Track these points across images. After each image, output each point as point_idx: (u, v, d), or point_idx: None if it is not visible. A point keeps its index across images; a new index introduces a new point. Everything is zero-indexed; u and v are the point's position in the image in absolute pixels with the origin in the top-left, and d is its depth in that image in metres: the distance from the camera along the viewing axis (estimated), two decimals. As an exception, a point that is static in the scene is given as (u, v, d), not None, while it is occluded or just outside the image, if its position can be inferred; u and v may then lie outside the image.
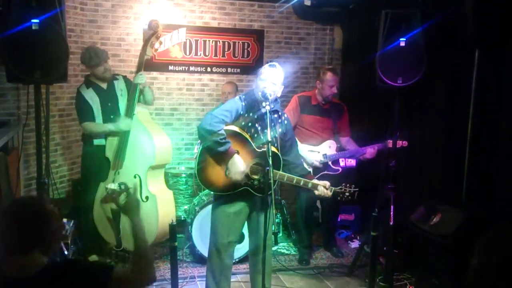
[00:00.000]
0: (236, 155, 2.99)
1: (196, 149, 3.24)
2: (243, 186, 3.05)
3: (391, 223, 3.53)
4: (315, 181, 3.07)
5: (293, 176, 3.06)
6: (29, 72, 2.82)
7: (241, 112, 3.08)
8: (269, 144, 2.81)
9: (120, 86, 4.15)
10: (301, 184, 3.05)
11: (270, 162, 2.75)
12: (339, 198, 3.08)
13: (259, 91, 3.03)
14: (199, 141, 3.19)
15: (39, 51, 2.82)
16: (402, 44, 3.38)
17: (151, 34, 3.94)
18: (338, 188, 3.07)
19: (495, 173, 3.46)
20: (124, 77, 4.25)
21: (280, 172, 3.03)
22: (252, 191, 3.06)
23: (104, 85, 4.10)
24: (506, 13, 3.30)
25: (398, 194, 3.61)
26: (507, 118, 3.38)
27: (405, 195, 4.32)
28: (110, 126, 3.94)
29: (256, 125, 3.10)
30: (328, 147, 4.24)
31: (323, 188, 3.02)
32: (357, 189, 3.08)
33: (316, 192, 3.04)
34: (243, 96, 3.16)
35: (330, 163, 4.21)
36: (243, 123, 3.09)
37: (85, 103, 4.01)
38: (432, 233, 3.50)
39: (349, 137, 4.40)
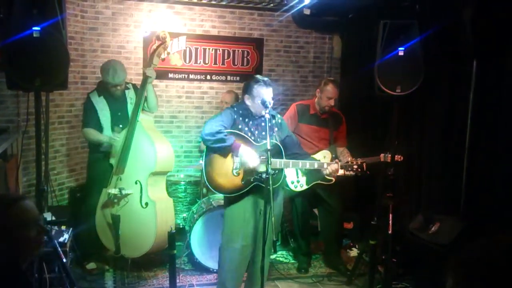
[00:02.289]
0: (243, 145, 3.09)
1: (201, 161, 3.32)
2: (253, 182, 3.11)
3: (390, 232, 3.53)
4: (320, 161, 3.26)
5: (298, 160, 3.24)
6: (29, 79, 2.82)
7: (235, 116, 3.20)
8: (269, 152, 2.85)
9: (130, 95, 4.18)
10: (307, 166, 3.24)
11: (270, 170, 2.78)
12: (348, 171, 3.29)
13: (256, 108, 3.17)
14: (201, 147, 3.31)
15: (40, 59, 2.82)
16: (401, 53, 3.41)
17: (159, 45, 3.96)
18: (345, 162, 3.27)
19: (493, 181, 3.47)
20: (134, 86, 4.27)
21: (284, 160, 3.16)
22: (263, 184, 3.07)
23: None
24: (504, 23, 3.33)
25: (397, 202, 3.62)
26: (505, 127, 3.39)
27: (403, 204, 4.32)
28: (101, 137, 4.02)
29: (253, 129, 3.21)
30: (322, 157, 4.24)
31: (331, 165, 3.21)
32: (365, 161, 3.27)
33: (325, 172, 3.25)
34: (235, 105, 3.36)
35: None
36: (239, 127, 3.20)
37: (92, 110, 4.06)
38: (430, 242, 3.50)
39: (345, 147, 4.40)
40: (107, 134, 4.06)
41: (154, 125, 4.19)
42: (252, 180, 3.11)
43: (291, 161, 3.19)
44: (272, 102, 3.18)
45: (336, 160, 3.28)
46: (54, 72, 2.88)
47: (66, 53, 2.93)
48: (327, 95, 4.20)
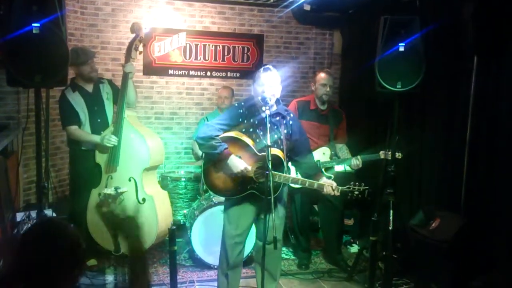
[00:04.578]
0: (232, 156, 3.02)
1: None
2: (249, 190, 3.08)
3: (390, 228, 3.53)
4: (321, 181, 3.10)
5: (298, 177, 3.14)
6: (29, 75, 2.81)
7: (241, 119, 3.10)
8: (269, 148, 2.82)
9: (105, 90, 4.11)
10: (307, 185, 3.11)
11: (270, 166, 2.76)
12: (348, 197, 3.09)
13: (258, 95, 3.07)
14: (193, 148, 3.25)
15: (40, 55, 2.81)
16: (401, 49, 3.39)
17: (135, 37, 3.87)
18: (346, 187, 3.08)
19: (494, 178, 3.46)
20: (110, 81, 4.21)
21: (284, 174, 3.05)
22: (259, 193, 3.08)
23: (90, 88, 4.05)
24: (504, 20, 3.32)
25: (397, 199, 3.62)
26: (505, 124, 3.39)
27: (404, 200, 4.32)
28: (96, 138, 3.88)
29: (257, 130, 3.12)
30: (322, 154, 4.25)
31: (329, 188, 3.05)
32: (367, 187, 3.05)
33: (323, 192, 3.09)
34: (242, 103, 3.19)
35: (323, 169, 4.20)
36: (244, 129, 3.11)
37: (70, 106, 3.93)
38: (431, 238, 3.50)
39: (344, 144, 4.41)
40: (87, 130, 3.96)
41: (138, 120, 4.12)
42: (248, 187, 3.07)
43: (290, 176, 3.07)
44: (275, 93, 3.05)
45: (335, 185, 3.07)
46: (54, 69, 2.88)
47: (66, 50, 2.93)
48: (320, 83, 4.24)
